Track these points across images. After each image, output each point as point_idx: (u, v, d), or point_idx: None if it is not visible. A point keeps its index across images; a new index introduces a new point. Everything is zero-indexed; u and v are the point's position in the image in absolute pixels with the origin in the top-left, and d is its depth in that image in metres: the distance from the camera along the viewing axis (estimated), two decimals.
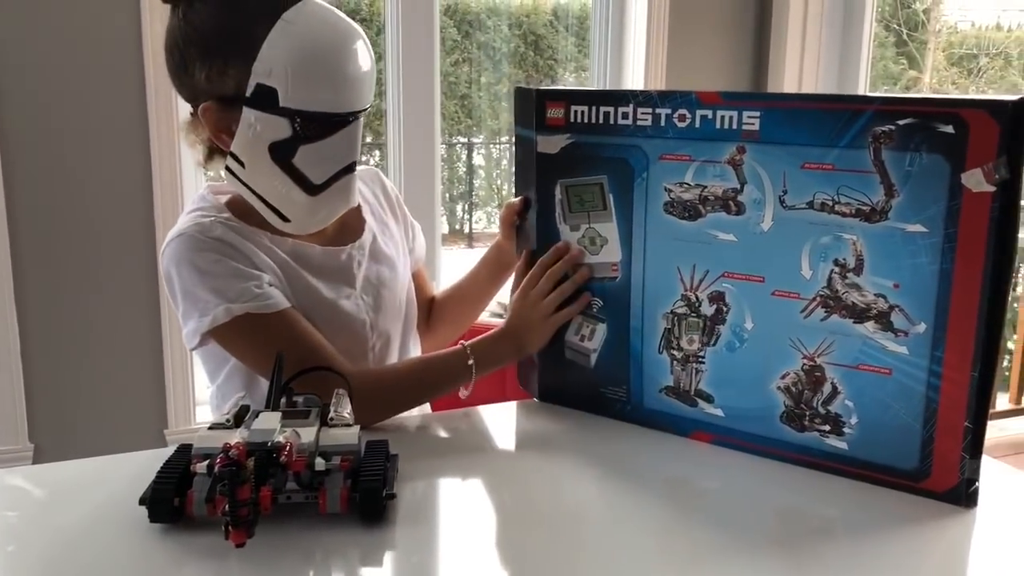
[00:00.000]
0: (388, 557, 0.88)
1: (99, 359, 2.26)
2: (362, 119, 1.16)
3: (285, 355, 1.06)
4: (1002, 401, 3.61)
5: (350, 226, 1.29)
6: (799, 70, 2.85)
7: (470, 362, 1.19)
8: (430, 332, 1.46)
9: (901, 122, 0.94)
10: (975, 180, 0.91)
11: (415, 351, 1.39)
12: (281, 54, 1.07)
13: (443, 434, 1.19)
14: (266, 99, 1.09)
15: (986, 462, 1.00)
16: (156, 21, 2.14)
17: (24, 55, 2.10)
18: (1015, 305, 3.70)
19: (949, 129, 0.91)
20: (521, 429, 1.23)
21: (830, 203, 0.99)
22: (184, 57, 1.13)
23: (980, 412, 0.95)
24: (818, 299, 1.02)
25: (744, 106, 1.04)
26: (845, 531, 0.94)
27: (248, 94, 1.09)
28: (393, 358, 1.32)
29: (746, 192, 1.05)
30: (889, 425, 1.00)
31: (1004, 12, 5.00)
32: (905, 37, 4.98)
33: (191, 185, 2.32)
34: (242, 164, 1.14)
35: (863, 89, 2.85)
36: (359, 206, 1.31)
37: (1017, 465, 1.12)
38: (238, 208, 1.20)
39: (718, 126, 1.05)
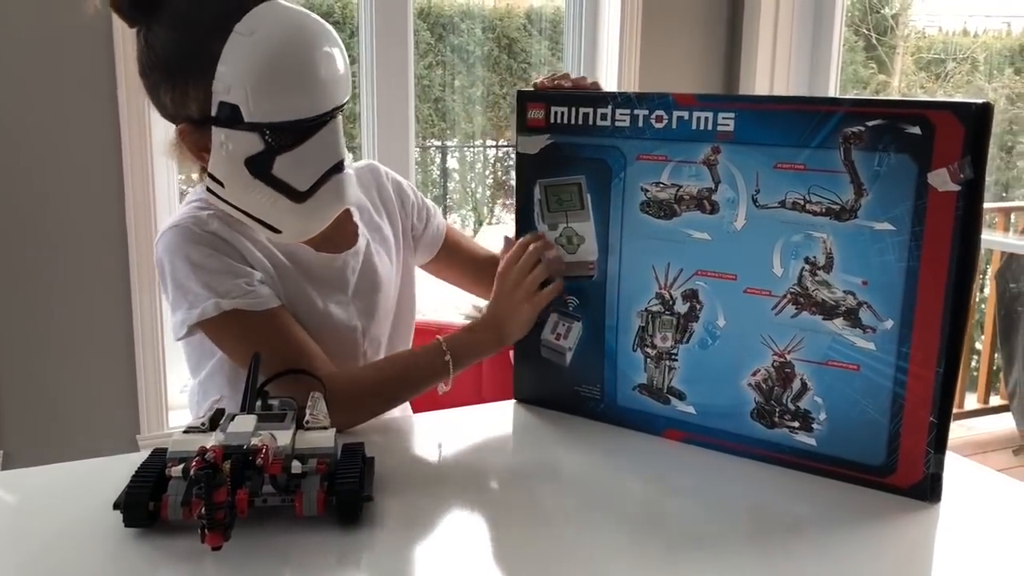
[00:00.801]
0: (365, 560, 0.88)
1: (70, 364, 2.24)
2: (340, 116, 1.13)
3: (270, 354, 1.07)
4: (970, 401, 3.66)
5: (344, 231, 1.28)
6: (771, 74, 2.88)
7: (446, 357, 1.18)
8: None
9: (870, 123, 0.96)
10: (941, 180, 0.93)
11: (406, 345, 1.39)
12: (237, 68, 1.04)
13: (419, 436, 1.20)
14: (231, 116, 1.06)
15: (952, 459, 1.02)
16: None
17: None
18: (982, 306, 3.76)
19: (916, 130, 0.93)
20: (497, 431, 1.24)
21: (801, 202, 1.01)
22: (152, 82, 1.12)
23: (944, 408, 0.97)
24: (789, 296, 1.03)
25: (719, 107, 1.06)
26: (814, 527, 0.95)
27: (213, 113, 1.07)
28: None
29: (720, 191, 1.06)
30: (857, 421, 1.02)
31: (971, 17, 5.08)
32: (874, 41, 5.04)
33: (163, 186, 2.30)
34: (221, 184, 1.12)
35: (833, 92, 2.89)
36: (349, 211, 1.29)
37: (984, 463, 1.14)
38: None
39: (694, 127, 1.07)
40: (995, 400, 3.66)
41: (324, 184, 1.13)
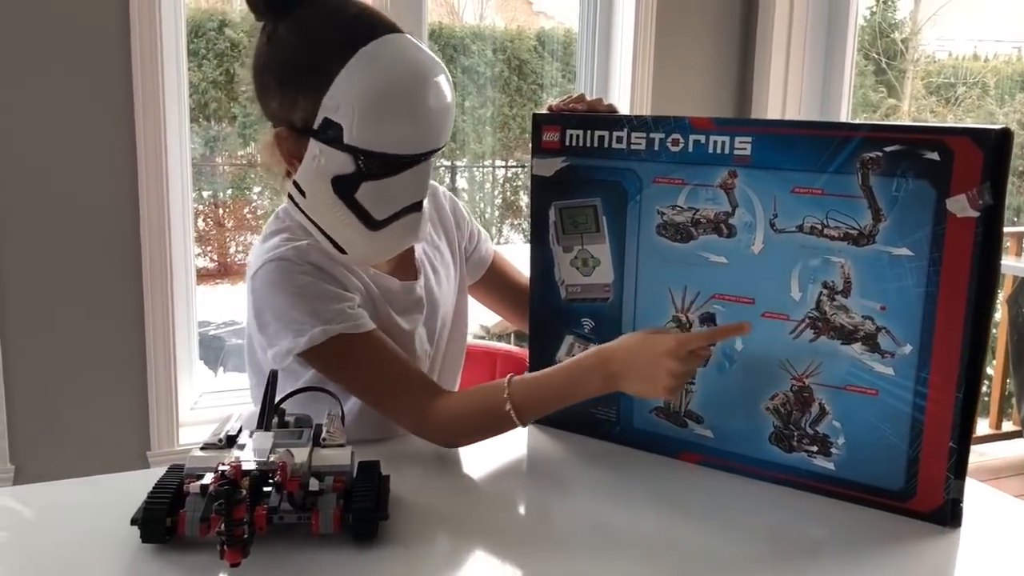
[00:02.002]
0: None
1: (82, 380, 2.24)
2: (433, 158, 1.14)
3: (376, 375, 1.12)
4: (982, 426, 3.64)
5: (409, 258, 1.28)
6: (783, 97, 2.89)
7: (508, 407, 1.10)
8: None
9: (888, 149, 0.96)
10: (960, 206, 0.93)
11: (458, 365, 1.40)
12: (350, 91, 1.05)
13: (436, 456, 1.19)
14: (332, 133, 1.07)
15: (970, 484, 1.01)
16: (144, 28, 2.15)
17: (5, 56, 2.10)
18: (994, 331, 3.75)
19: (935, 156, 0.94)
20: (512, 451, 1.23)
21: (819, 227, 1.01)
22: (263, 81, 1.13)
23: (964, 433, 0.97)
24: (807, 321, 1.03)
25: (736, 131, 1.06)
26: (832, 551, 0.95)
27: (315, 127, 1.07)
28: (444, 380, 1.33)
29: (737, 215, 1.06)
30: (876, 445, 1.01)
31: (980, 42, 5.09)
32: (884, 66, 5.06)
33: (177, 202, 2.31)
34: (303, 194, 1.13)
35: (845, 116, 2.90)
36: None
37: (998, 489, 1.13)
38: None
39: (711, 151, 1.07)
40: (1007, 426, 3.63)
41: (399, 219, 1.14)
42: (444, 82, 1.11)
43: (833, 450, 1.05)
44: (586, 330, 1.21)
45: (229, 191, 4.79)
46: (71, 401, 2.23)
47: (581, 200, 1.19)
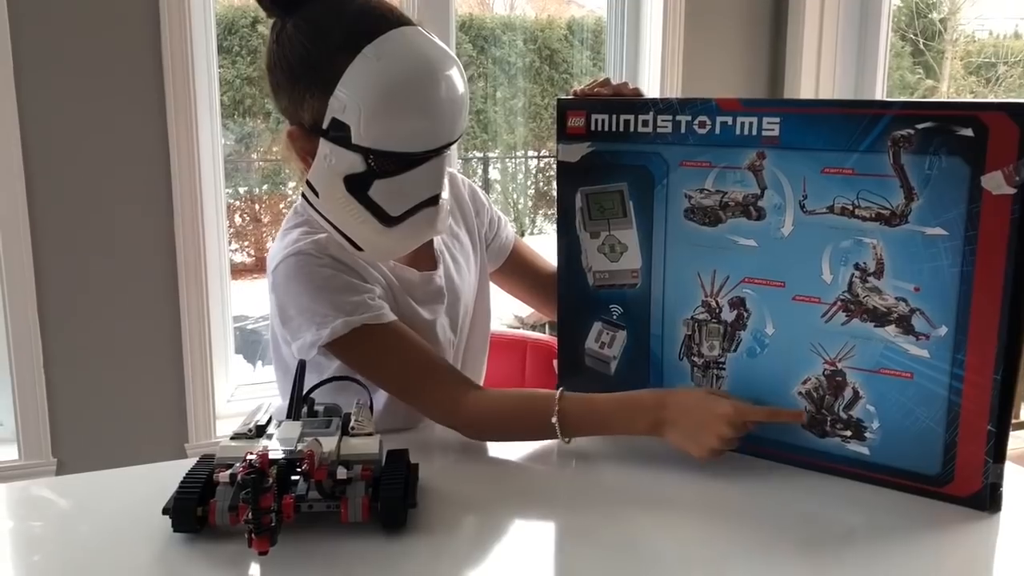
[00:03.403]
0: (409, 566, 0.88)
1: (120, 374, 2.28)
2: (447, 152, 1.12)
3: (400, 365, 1.13)
4: None
5: (428, 248, 1.28)
6: (815, 81, 2.84)
7: (553, 420, 1.10)
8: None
9: (920, 126, 0.94)
10: (995, 183, 0.91)
11: (483, 353, 1.40)
12: (356, 90, 1.03)
13: (464, 444, 1.19)
14: (340, 133, 1.05)
15: (1009, 468, 0.99)
16: (175, 27, 2.17)
17: (38, 57, 2.13)
18: None
19: (968, 132, 0.91)
20: (541, 440, 1.23)
21: (850, 207, 0.99)
22: (275, 79, 1.13)
23: (1003, 416, 0.95)
24: (839, 303, 1.02)
25: (764, 112, 1.04)
26: (867, 537, 0.93)
27: (324, 127, 1.06)
28: (468, 368, 1.33)
29: (766, 197, 1.05)
30: (911, 430, 1.00)
31: (1022, 20, 4.98)
32: (922, 46, 4.96)
33: (211, 197, 2.33)
34: (316, 193, 1.12)
35: (880, 97, 2.84)
36: None
37: None
38: None
39: (738, 132, 1.06)
40: None
41: (416, 214, 1.12)
42: (455, 75, 1.08)
43: (867, 435, 1.03)
44: (614, 316, 1.20)
45: (265, 187, 4.83)
46: (110, 395, 2.27)
47: (607, 185, 1.18)
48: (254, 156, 4.70)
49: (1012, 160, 0.89)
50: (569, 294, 1.25)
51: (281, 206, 4.87)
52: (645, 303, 1.17)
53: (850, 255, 1.00)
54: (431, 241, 1.28)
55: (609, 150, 1.16)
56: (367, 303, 1.12)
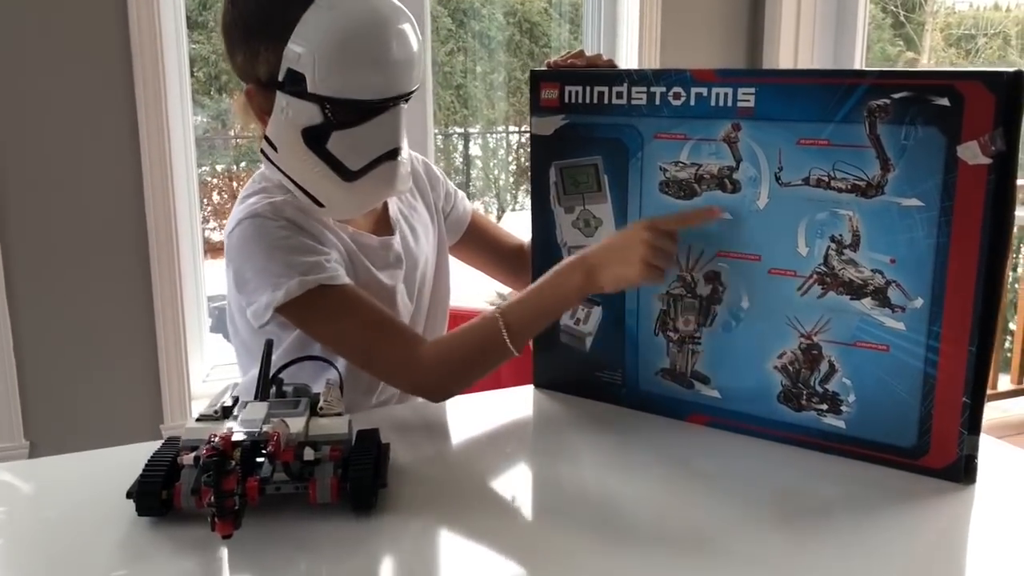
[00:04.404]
0: (379, 547, 0.86)
1: (94, 355, 2.25)
2: (403, 105, 1.12)
3: (357, 326, 1.11)
4: (1004, 382, 3.59)
5: (384, 216, 1.28)
6: (794, 53, 2.83)
7: (503, 332, 1.09)
8: (522, 279, 1.37)
9: (896, 95, 0.92)
10: (971, 152, 0.89)
11: (442, 325, 1.39)
12: (310, 38, 1.04)
13: (436, 422, 1.18)
14: (296, 84, 1.06)
15: (984, 440, 0.99)
16: (142, 15, 2.12)
17: (9, 53, 2.08)
18: (1016, 286, 3.69)
19: (944, 102, 0.90)
20: (516, 417, 1.22)
21: (826, 179, 0.98)
22: (230, 40, 1.14)
23: (978, 387, 0.94)
24: (815, 276, 1.00)
25: (739, 83, 1.03)
26: (844, 510, 0.93)
27: (280, 79, 1.08)
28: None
29: (742, 169, 1.03)
30: (887, 402, 0.99)
31: None
32: (902, 18, 4.96)
33: (182, 178, 2.30)
34: (275, 148, 1.13)
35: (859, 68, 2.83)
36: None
37: (1019, 445, 1.10)
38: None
39: (713, 103, 1.04)
40: None
41: (375, 168, 1.12)
42: (408, 29, 1.09)
43: (843, 408, 1.02)
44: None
45: (243, 164, 4.79)
46: (83, 376, 2.24)
47: (582, 159, 1.16)
48: (231, 133, 4.65)
49: (988, 129, 0.88)
50: (544, 269, 1.23)
51: None
52: None
53: (826, 227, 0.99)
54: (387, 207, 1.28)
55: (583, 123, 1.14)
56: (323, 264, 1.11)
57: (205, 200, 4.69)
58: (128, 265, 2.24)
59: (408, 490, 0.95)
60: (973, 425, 0.95)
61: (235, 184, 4.83)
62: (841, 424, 1.03)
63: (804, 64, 2.83)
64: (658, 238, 1.03)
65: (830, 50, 2.88)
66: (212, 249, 4.14)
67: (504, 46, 4.14)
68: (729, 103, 1.03)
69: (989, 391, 3.38)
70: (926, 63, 4.92)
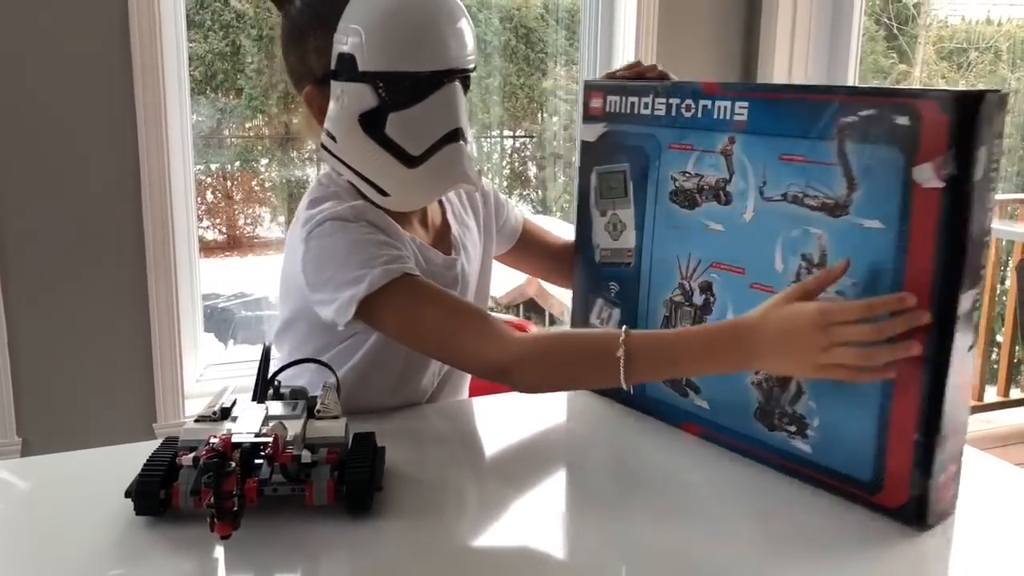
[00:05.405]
0: (374, 550, 0.88)
1: (87, 353, 2.25)
2: (458, 84, 1.11)
3: (444, 313, 1.07)
4: (990, 394, 3.63)
5: (448, 234, 1.28)
6: (788, 62, 2.85)
7: (619, 353, 0.99)
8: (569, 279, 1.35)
9: (863, 113, 0.90)
10: (925, 175, 0.85)
11: None
12: (357, 20, 1.06)
13: (432, 425, 1.19)
14: (347, 67, 1.07)
15: (972, 453, 0.98)
16: (142, 13, 2.13)
17: (9, 51, 2.09)
18: (1003, 299, 3.72)
19: (905, 121, 0.86)
20: (512, 419, 1.23)
21: (800, 196, 0.96)
22: (285, 50, 1.16)
23: (931, 425, 0.88)
24: None
25: (736, 96, 1.04)
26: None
27: (333, 67, 1.09)
28: None
29: (734, 182, 1.04)
30: (847, 431, 0.95)
31: (994, 6, 5.02)
32: (895, 31, 4.99)
33: (179, 175, 2.30)
34: (334, 139, 1.12)
35: (852, 82, 2.86)
36: (445, 211, 1.29)
37: (1004, 458, 1.10)
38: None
39: (715, 116, 1.05)
40: (1016, 393, 3.62)
41: (438, 151, 1.10)
42: (458, 5, 1.11)
43: (809, 432, 0.99)
44: (612, 294, 1.22)
45: (237, 164, 4.78)
46: (77, 374, 2.25)
47: (613, 166, 1.20)
48: (226, 132, 4.64)
49: (942, 151, 0.83)
50: (580, 270, 1.29)
51: (253, 183, 4.82)
52: (636, 283, 1.18)
53: (798, 245, 0.97)
54: (451, 226, 1.28)
55: (618, 131, 1.19)
56: (404, 258, 1.10)
57: (199, 199, 4.69)
58: (123, 263, 2.24)
59: (403, 493, 0.96)
60: (926, 466, 0.89)
61: (229, 184, 4.82)
62: (808, 449, 0.99)
63: (798, 75, 2.86)
64: (837, 335, 0.88)
65: (824, 61, 2.91)
66: (206, 248, 4.14)
67: (500, 51, 4.14)
68: (727, 116, 1.04)
69: (975, 403, 3.42)
70: (918, 76, 4.96)
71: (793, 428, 1.01)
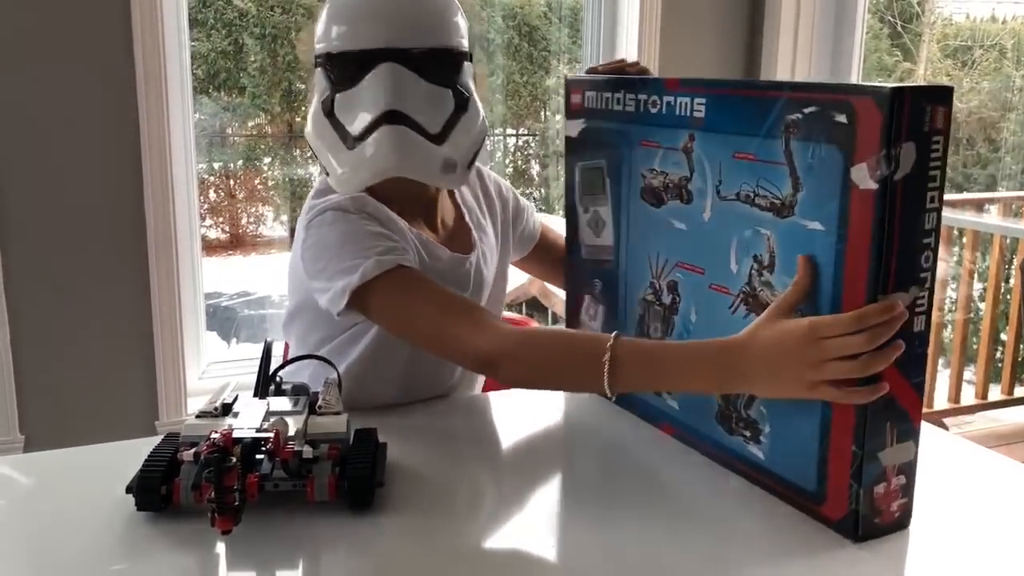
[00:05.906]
0: (376, 545, 0.88)
1: (90, 351, 2.25)
2: (399, 65, 1.09)
3: (438, 308, 1.07)
4: (994, 392, 3.62)
5: (462, 235, 1.27)
6: (792, 61, 2.84)
7: (605, 358, 0.95)
8: None
9: (807, 110, 0.85)
10: (861, 175, 0.81)
11: None
12: (327, 9, 1.13)
13: (431, 422, 1.19)
14: (317, 56, 1.15)
15: (972, 449, 0.98)
16: (144, 11, 2.13)
17: (11, 49, 2.09)
18: (1007, 297, 3.71)
19: (843, 119, 0.81)
20: (507, 417, 1.23)
21: (751, 195, 0.92)
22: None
23: (867, 434, 0.84)
24: (741, 295, 0.96)
25: (694, 92, 1.00)
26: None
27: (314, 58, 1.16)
28: None
29: (694, 180, 1.01)
30: (793, 439, 0.92)
31: (999, 4, 5.01)
32: (899, 29, 4.98)
33: (181, 174, 2.31)
34: (308, 124, 1.18)
35: (856, 80, 2.85)
36: (462, 213, 1.29)
37: (1009, 455, 1.08)
38: (375, 194, 1.16)
39: (676, 113, 1.02)
40: (1020, 391, 3.61)
41: (372, 133, 1.09)
42: None
43: (762, 437, 0.95)
44: (596, 290, 1.22)
45: (240, 162, 4.79)
46: (80, 372, 2.25)
47: (592, 162, 1.19)
48: (228, 131, 4.64)
49: (876, 151, 0.79)
50: (569, 267, 1.28)
51: (256, 182, 4.83)
52: (615, 281, 1.17)
53: (751, 246, 0.93)
54: (469, 226, 1.28)
55: (595, 127, 1.18)
56: (400, 248, 1.10)
57: (202, 198, 4.69)
58: (126, 261, 2.24)
59: (404, 489, 0.96)
60: (863, 479, 0.85)
61: (232, 182, 4.83)
62: (760, 455, 0.96)
63: (801, 73, 2.85)
64: (828, 351, 0.84)
65: (828, 59, 2.90)
66: (209, 247, 4.14)
67: (503, 49, 4.14)
68: (687, 112, 1.00)
69: (979, 401, 3.42)
70: (923, 74, 4.95)
71: (748, 433, 0.97)
